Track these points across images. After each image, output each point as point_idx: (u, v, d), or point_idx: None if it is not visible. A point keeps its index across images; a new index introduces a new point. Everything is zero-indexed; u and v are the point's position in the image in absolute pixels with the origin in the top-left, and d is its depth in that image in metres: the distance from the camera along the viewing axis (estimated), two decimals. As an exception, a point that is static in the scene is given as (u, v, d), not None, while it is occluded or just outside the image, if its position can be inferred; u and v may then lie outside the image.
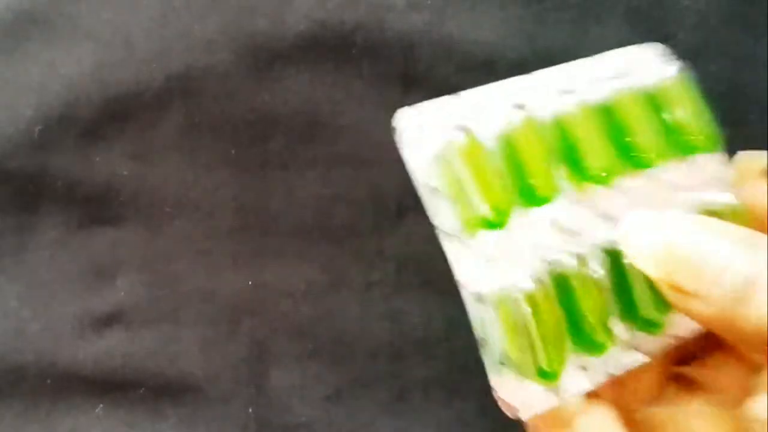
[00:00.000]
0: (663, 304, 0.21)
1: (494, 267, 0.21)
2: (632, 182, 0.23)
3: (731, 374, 0.23)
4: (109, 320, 0.34)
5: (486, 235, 0.21)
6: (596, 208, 0.22)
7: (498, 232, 0.21)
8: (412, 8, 0.33)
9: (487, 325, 0.21)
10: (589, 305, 0.21)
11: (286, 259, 0.34)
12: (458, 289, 0.21)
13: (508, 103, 0.23)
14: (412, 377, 0.34)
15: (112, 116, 0.33)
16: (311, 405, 0.34)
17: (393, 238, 0.34)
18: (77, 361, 0.33)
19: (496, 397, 0.21)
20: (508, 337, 0.20)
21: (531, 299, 0.21)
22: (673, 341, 0.22)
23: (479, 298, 0.21)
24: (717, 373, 0.23)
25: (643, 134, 0.23)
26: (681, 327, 0.22)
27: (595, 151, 0.22)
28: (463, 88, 0.34)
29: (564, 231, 0.22)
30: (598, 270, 0.22)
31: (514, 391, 0.21)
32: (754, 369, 0.22)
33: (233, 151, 0.34)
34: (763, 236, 0.19)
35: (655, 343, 0.22)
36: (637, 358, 0.22)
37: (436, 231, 0.21)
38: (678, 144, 0.23)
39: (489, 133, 0.22)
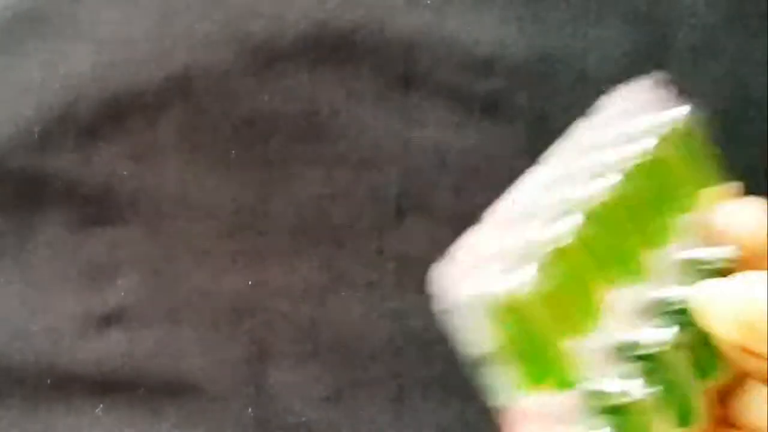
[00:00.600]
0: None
1: (565, 425, 0.19)
2: (655, 262, 0.21)
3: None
4: (109, 320, 0.34)
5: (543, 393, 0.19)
6: (634, 304, 0.21)
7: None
8: (412, 8, 0.33)
9: None
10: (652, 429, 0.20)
11: (286, 259, 0.34)
12: None
13: (540, 221, 0.20)
14: (412, 377, 0.34)
15: (111, 116, 0.33)
16: (311, 405, 0.34)
17: (393, 238, 0.34)
18: (77, 361, 0.33)
19: None
20: None
21: None
22: None
23: None
24: (757, 406, 0.23)
25: (661, 212, 0.21)
26: None
27: (630, 249, 0.21)
28: (463, 88, 0.34)
29: (606, 353, 0.20)
30: (640, 390, 0.20)
31: None
32: None
33: (233, 151, 0.34)
34: None
35: None
36: None
37: (491, 405, 0.19)
38: (681, 205, 0.22)
39: (529, 278, 0.19)
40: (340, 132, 0.34)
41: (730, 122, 0.34)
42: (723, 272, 0.21)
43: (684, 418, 0.20)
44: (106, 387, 0.33)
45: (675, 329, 0.20)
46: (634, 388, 0.19)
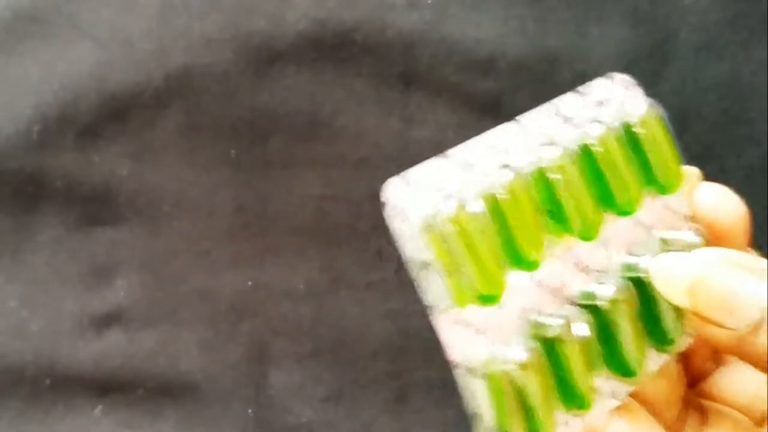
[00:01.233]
0: (639, 350, 0.22)
1: (484, 338, 0.21)
2: (611, 230, 0.23)
3: (749, 386, 0.24)
4: (108, 320, 0.34)
5: (478, 309, 0.21)
6: (578, 262, 0.23)
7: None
8: (412, 8, 0.33)
9: (478, 397, 0.21)
10: (576, 367, 0.21)
11: (285, 259, 0.34)
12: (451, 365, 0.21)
13: (494, 163, 0.22)
14: (412, 377, 0.34)
15: (111, 116, 0.33)
16: (311, 405, 0.34)
17: (393, 239, 0.34)
18: (76, 362, 0.33)
19: None
20: (499, 407, 0.21)
21: (522, 367, 0.21)
22: (638, 386, 0.23)
23: (470, 372, 0.21)
24: (734, 389, 0.24)
25: (623, 180, 0.23)
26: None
27: (579, 206, 0.22)
28: (464, 87, 0.34)
29: (548, 290, 0.22)
30: (582, 330, 0.22)
31: None
32: None
33: (233, 151, 0.34)
34: None
35: (628, 386, 0.23)
36: (612, 405, 0.23)
37: (428, 307, 0.21)
38: (651, 184, 0.24)
39: (476, 198, 0.21)
40: (340, 132, 0.34)
41: (730, 122, 0.34)
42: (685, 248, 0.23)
43: (624, 371, 0.22)
44: (106, 387, 0.33)
45: (624, 288, 0.22)
46: (574, 328, 0.21)
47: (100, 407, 0.34)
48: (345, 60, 0.33)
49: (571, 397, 0.21)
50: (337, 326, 0.34)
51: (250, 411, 0.34)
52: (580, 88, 0.25)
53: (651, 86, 0.30)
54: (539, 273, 0.22)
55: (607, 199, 0.23)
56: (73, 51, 0.33)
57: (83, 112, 0.33)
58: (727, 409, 0.25)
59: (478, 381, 0.21)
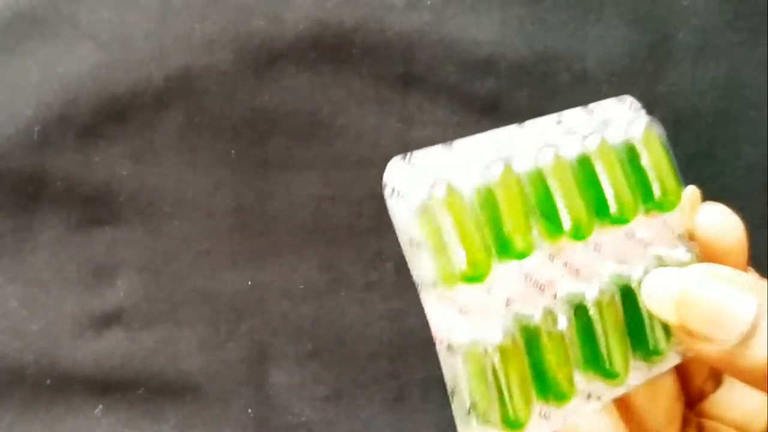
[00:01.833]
0: (622, 354, 0.23)
1: (467, 319, 0.22)
2: (605, 238, 0.24)
3: (746, 405, 0.24)
4: (108, 320, 0.34)
5: (463, 288, 0.22)
6: (568, 263, 0.23)
7: (475, 285, 0.22)
8: (412, 8, 0.33)
9: (458, 375, 0.21)
10: (554, 358, 0.22)
11: (285, 259, 0.34)
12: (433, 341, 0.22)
13: (494, 155, 0.23)
14: (412, 377, 0.34)
15: (111, 116, 0.33)
16: (311, 405, 0.34)
17: (392, 239, 0.34)
18: (77, 361, 0.33)
19: None
20: (477, 387, 0.21)
21: (500, 351, 0.21)
22: (627, 390, 0.24)
23: (450, 349, 0.21)
24: (732, 408, 0.25)
25: (619, 190, 0.24)
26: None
27: (572, 206, 0.23)
28: (463, 88, 0.34)
29: (535, 285, 0.23)
30: (564, 324, 0.23)
31: None
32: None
33: (233, 151, 0.34)
34: (763, 282, 0.21)
35: (613, 391, 0.23)
36: (595, 407, 0.23)
37: (416, 284, 0.22)
38: (647, 200, 0.24)
39: (471, 187, 0.22)
40: (340, 132, 0.34)
41: (730, 122, 0.34)
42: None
43: (605, 372, 0.23)
44: (106, 387, 0.33)
45: (609, 291, 0.23)
46: (556, 322, 0.22)
47: (100, 407, 0.34)
48: (345, 60, 0.33)
49: (548, 387, 0.22)
50: (336, 326, 0.34)
51: (250, 411, 0.34)
52: (589, 105, 0.25)
53: (650, 87, 0.31)
54: (527, 266, 0.23)
55: (601, 205, 0.24)
56: (74, 51, 0.33)
57: (83, 112, 0.33)
58: (725, 428, 0.25)
59: (458, 359, 0.21)
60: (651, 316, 0.23)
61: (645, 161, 0.24)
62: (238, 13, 0.33)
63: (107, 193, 0.34)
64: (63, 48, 0.33)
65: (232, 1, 0.33)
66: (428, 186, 0.22)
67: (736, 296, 0.20)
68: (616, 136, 0.25)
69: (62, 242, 0.34)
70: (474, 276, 0.21)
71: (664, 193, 0.24)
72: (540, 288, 0.23)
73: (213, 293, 0.34)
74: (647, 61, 0.34)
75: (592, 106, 0.25)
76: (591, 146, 0.24)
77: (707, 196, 0.25)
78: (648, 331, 0.23)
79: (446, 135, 0.34)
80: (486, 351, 0.21)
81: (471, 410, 0.21)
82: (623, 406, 0.25)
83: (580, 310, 0.23)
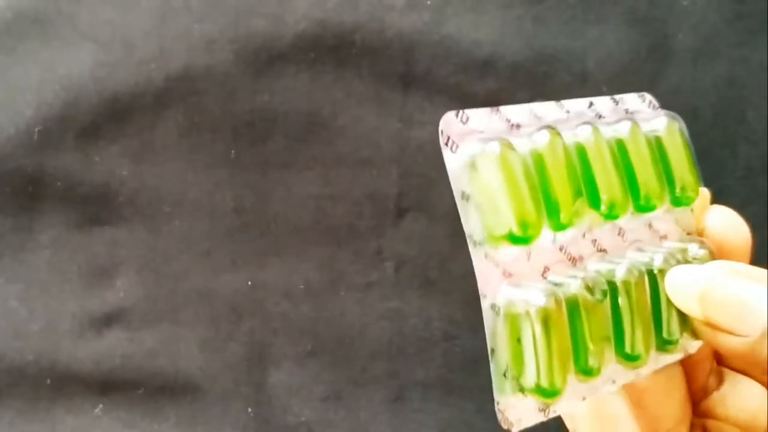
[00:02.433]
0: (644, 338, 0.23)
1: (511, 281, 0.22)
2: (628, 224, 0.24)
3: (751, 403, 0.25)
4: (108, 320, 0.34)
5: (507, 250, 0.21)
6: (597, 241, 0.24)
7: (520, 248, 0.22)
8: (412, 8, 0.33)
9: (498, 335, 0.21)
10: (592, 330, 0.22)
11: (285, 259, 0.34)
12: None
13: (542, 122, 0.23)
14: (412, 377, 0.34)
15: (111, 116, 0.33)
16: (311, 405, 0.34)
17: (392, 238, 0.34)
18: (77, 361, 0.33)
19: (496, 407, 0.21)
20: (514, 350, 0.21)
21: (543, 316, 0.21)
22: (643, 376, 0.24)
23: (494, 309, 0.21)
24: (736, 406, 0.25)
25: (648, 178, 0.24)
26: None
27: (609, 184, 0.23)
28: (463, 88, 0.34)
29: (569, 258, 0.23)
30: (602, 298, 0.23)
31: (512, 404, 0.21)
32: None
33: (233, 151, 0.34)
34: None
35: (628, 375, 0.23)
36: (611, 389, 0.23)
37: (466, 236, 0.21)
38: (670, 194, 0.25)
39: (523, 149, 0.22)
40: (340, 132, 0.34)
41: (729, 122, 0.34)
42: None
43: (627, 355, 0.23)
44: (106, 387, 0.33)
45: (637, 274, 0.23)
46: (594, 293, 0.22)
47: (100, 406, 0.34)
48: (344, 61, 0.33)
49: (581, 360, 0.22)
50: (336, 326, 0.34)
51: (250, 410, 0.34)
52: (615, 96, 0.25)
53: (649, 87, 0.31)
54: (564, 238, 0.23)
55: (632, 189, 0.24)
56: (74, 52, 0.33)
57: (84, 112, 0.33)
58: (728, 427, 0.25)
59: (499, 319, 0.21)
60: (669, 305, 0.23)
61: (670, 155, 0.24)
62: (238, 13, 0.33)
63: (107, 193, 0.34)
64: (63, 48, 0.33)
65: (232, 1, 0.33)
66: (482, 141, 0.22)
67: (759, 291, 0.21)
68: (643, 127, 0.25)
69: (62, 242, 0.34)
70: (523, 237, 0.21)
71: (684, 188, 0.24)
72: (572, 261, 0.23)
73: (213, 293, 0.34)
74: (647, 61, 0.34)
75: (617, 96, 0.25)
76: (623, 130, 0.24)
77: (707, 196, 0.25)
78: (665, 319, 0.23)
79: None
80: (529, 315, 0.21)
81: (507, 373, 0.21)
82: (637, 401, 0.25)
83: (611, 287, 0.23)
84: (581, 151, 0.23)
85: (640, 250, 0.24)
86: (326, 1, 0.33)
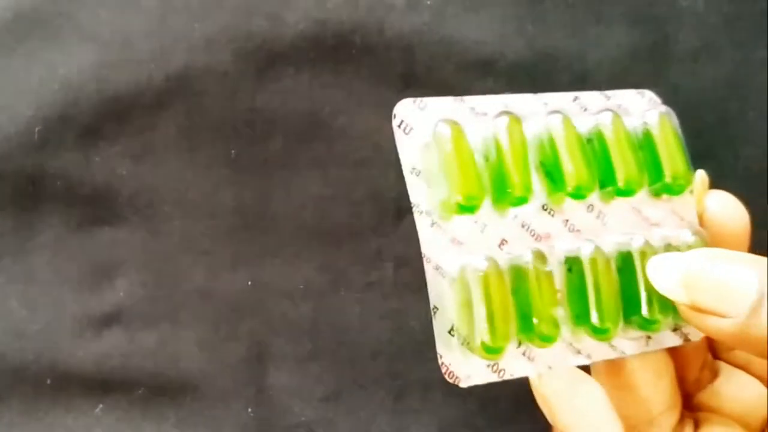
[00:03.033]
0: (610, 312, 0.24)
1: (458, 247, 0.23)
2: (610, 209, 0.25)
3: (746, 394, 0.25)
4: (108, 320, 0.34)
5: (459, 221, 0.23)
6: (569, 221, 0.24)
7: (472, 221, 0.23)
8: (412, 8, 0.33)
9: (443, 296, 0.23)
10: (540, 298, 0.23)
11: (285, 259, 0.34)
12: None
13: (501, 109, 0.25)
14: (412, 377, 0.34)
15: (111, 116, 0.33)
16: (311, 405, 0.34)
17: (392, 239, 0.34)
18: (77, 361, 0.33)
19: (440, 365, 0.23)
20: (460, 310, 0.22)
21: (485, 279, 0.22)
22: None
23: (438, 269, 0.23)
24: (731, 398, 0.25)
25: (626, 162, 0.25)
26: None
27: (576, 166, 0.24)
28: (463, 88, 0.34)
29: (532, 234, 0.24)
30: (555, 270, 0.24)
31: (458, 361, 0.23)
32: None
33: (233, 151, 0.34)
34: (762, 258, 0.21)
35: (604, 351, 0.24)
36: (580, 360, 0.24)
37: (412, 206, 0.23)
38: (657, 180, 0.25)
39: (478, 131, 0.24)
40: (339, 132, 0.34)
41: (730, 122, 0.34)
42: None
43: (594, 328, 0.24)
44: (106, 387, 0.33)
45: (605, 252, 0.24)
46: (545, 263, 0.23)
47: (100, 406, 0.34)
48: (345, 61, 0.33)
49: (531, 325, 0.23)
50: (336, 326, 0.34)
51: (250, 411, 0.34)
52: (607, 91, 0.26)
53: (649, 87, 0.31)
54: (525, 215, 0.24)
55: (608, 174, 0.24)
56: (74, 52, 0.33)
57: (84, 112, 0.33)
58: (723, 419, 0.25)
59: (444, 281, 0.23)
60: (649, 287, 0.24)
61: (658, 145, 0.25)
62: (238, 13, 0.33)
63: (107, 193, 0.34)
64: (63, 48, 0.33)
65: (232, 1, 0.33)
66: (434, 124, 0.23)
67: (739, 270, 0.21)
68: (632, 121, 0.25)
69: (62, 242, 0.34)
70: (466, 206, 0.22)
71: (675, 176, 0.25)
72: (536, 238, 0.24)
73: (213, 293, 0.34)
74: (647, 61, 0.34)
75: (610, 92, 0.26)
76: (604, 120, 0.25)
77: (707, 196, 0.26)
78: (643, 298, 0.24)
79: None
80: (472, 277, 0.22)
81: (452, 331, 0.22)
82: (625, 385, 0.25)
83: (575, 264, 0.24)
84: (547, 137, 0.24)
85: (625, 235, 0.25)
86: (326, 1, 0.33)
